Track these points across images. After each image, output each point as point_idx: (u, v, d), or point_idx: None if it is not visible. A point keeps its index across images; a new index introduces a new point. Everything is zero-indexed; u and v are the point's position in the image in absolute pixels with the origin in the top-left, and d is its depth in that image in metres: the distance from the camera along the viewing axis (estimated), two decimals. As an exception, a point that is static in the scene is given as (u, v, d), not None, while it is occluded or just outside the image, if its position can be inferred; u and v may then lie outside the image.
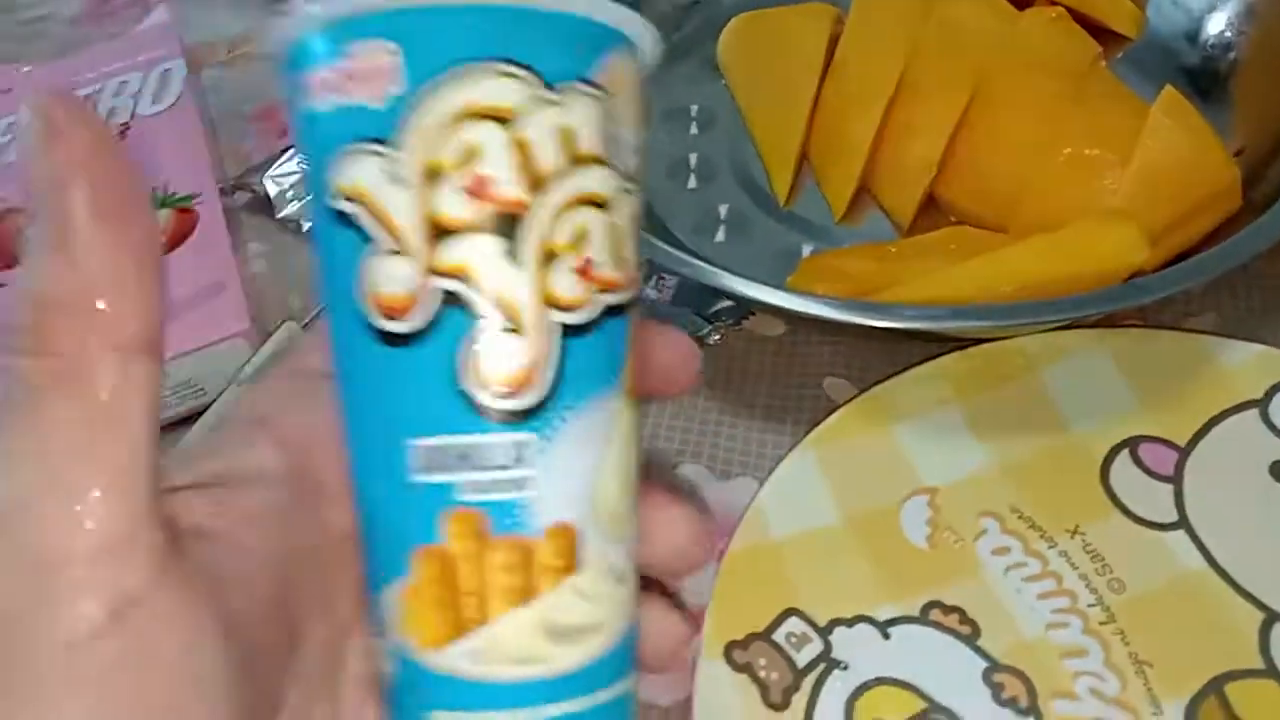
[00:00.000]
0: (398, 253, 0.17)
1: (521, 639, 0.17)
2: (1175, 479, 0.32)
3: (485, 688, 0.18)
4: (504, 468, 0.17)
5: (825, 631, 0.31)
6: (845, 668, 0.30)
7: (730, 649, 0.31)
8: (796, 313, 0.34)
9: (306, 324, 0.41)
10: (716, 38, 0.47)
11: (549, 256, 0.17)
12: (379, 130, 0.17)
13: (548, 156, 0.17)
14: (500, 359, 0.17)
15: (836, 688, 0.30)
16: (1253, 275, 0.37)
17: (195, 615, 0.18)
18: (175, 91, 0.50)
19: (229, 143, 0.52)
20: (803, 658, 0.30)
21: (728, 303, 0.40)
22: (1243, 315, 0.37)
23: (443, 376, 0.17)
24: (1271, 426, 0.33)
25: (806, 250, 0.41)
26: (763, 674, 0.30)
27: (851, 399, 0.35)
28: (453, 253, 0.17)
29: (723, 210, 0.43)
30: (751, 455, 0.36)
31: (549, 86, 0.17)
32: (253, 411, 0.21)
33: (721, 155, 0.45)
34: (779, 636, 0.31)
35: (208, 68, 0.57)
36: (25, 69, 0.54)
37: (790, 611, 0.31)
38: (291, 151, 0.48)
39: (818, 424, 0.35)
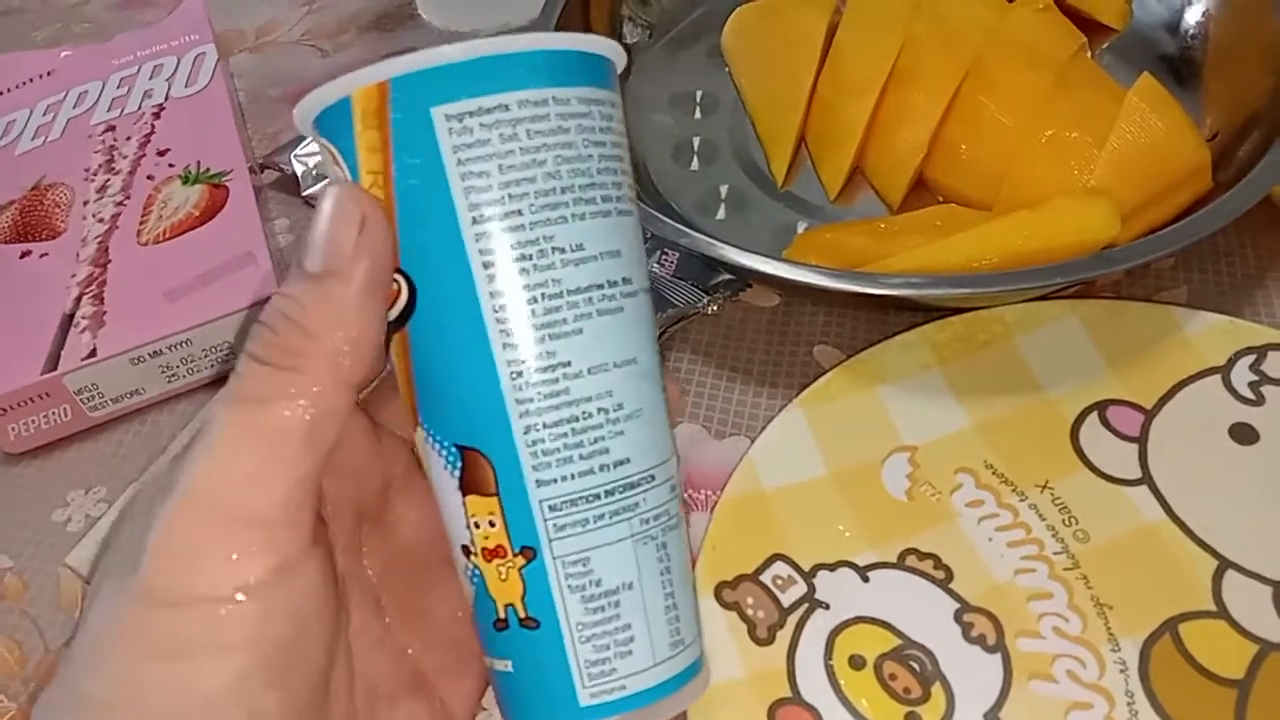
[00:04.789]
0: None
1: None
2: (1140, 439, 0.35)
3: None
4: None
5: (809, 575, 0.33)
6: (827, 607, 0.32)
7: (720, 589, 0.33)
8: (789, 282, 0.36)
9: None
10: (720, 28, 0.50)
11: None
12: None
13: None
14: None
15: (819, 625, 0.32)
16: (1222, 251, 0.39)
17: (328, 585, 0.21)
18: (207, 75, 0.53)
19: (257, 125, 0.55)
20: (788, 598, 0.33)
21: (726, 276, 0.43)
22: (1211, 290, 0.39)
23: None
24: (1233, 391, 0.35)
25: (802, 227, 0.43)
26: (750, 612, 0.32)
27: (839, 363, 0.38)
28: None
29: (723, 190, 0.46)
30: (745, 417, 0.39)
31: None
32: None
33: (723, 138, 0.47)
34: (766, 578, 0.33)
35: (236, 53, 0.60)
36: (64, 53, 0.57)
37: (777, 556, 0.34)
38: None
39: (807, 387, 0.37)
